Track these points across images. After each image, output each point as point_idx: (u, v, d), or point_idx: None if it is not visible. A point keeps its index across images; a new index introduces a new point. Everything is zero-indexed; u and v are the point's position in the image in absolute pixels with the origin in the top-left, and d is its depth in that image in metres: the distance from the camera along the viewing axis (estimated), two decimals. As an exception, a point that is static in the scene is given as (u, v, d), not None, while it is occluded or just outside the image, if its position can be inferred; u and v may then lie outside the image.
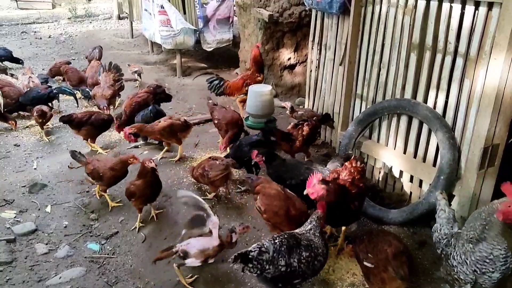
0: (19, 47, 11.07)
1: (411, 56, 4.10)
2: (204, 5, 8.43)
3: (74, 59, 10.33)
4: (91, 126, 5.50)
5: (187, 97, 7.78)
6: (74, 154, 4.60)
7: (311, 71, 6.11)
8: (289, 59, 7.81)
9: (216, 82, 6.28)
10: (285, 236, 2.90)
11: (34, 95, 6.45)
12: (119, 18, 15.12)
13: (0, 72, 8.09)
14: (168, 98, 6.35)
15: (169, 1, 8.18)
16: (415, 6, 3.99)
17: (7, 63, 9.12)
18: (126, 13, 12.37)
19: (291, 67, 7.92)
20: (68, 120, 5.49)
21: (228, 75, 8.96)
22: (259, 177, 3.87)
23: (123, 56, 10.25)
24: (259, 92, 5.60)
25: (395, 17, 4.24)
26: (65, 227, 4.31)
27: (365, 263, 3.04)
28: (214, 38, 8.71)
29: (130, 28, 12.45)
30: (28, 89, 6.71)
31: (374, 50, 4.55)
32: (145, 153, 5.57)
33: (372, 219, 4.08)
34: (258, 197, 3.58)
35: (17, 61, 8.71)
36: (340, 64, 5.20)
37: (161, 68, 9.50)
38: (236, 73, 8.91)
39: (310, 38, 5.94)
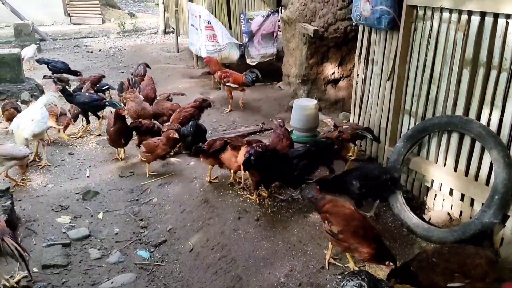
0: (72, 60, 11.63)
1: (463, 72, 4.03)
2: (249, 21, 8.60)
3: (123, 72, 10.78)
4: (154, 135, 5.75)
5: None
6: None
7: (357, 85, 6.09)
8: (333, 73, 7.82)
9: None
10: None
11: (86, 101, 6.64)
12: (165, 32, 15.62)
13: (64, 84, 8.58)
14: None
15: (215, 17, 8.39)
16: (469, 22, 3.93)
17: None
18: (173, 28, 12.77)
19: (335, 82, 7.92)
20: (136, 127, 5.82)
21: (270, 88, 9.07)
22: (324, 196, 3.79)
23: (169, 70, 10.59)
24: (304, 106, 5.64)
25: (447, 33, 4.18)
26: (116, 233, 4.48)
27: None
28: (258, 53, 8.85)
29: (176, 43, 12.83)
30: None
31: (424, 66, 4.50)
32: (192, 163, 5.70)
33: (421, 237, 4.00)
34: (328, 217, 3.47)
35: (75, 73, 9.17)
36: (388, 79, 5.16)
37: (205, 81, 9.71)
38: (279, 86, 9.00)
39: (357, 53, 5.93)
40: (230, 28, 8.65)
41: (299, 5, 7.70)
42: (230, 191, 4.78)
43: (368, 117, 5.80)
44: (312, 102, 5.74)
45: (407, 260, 3.31)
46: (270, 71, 9.87)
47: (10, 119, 6.27)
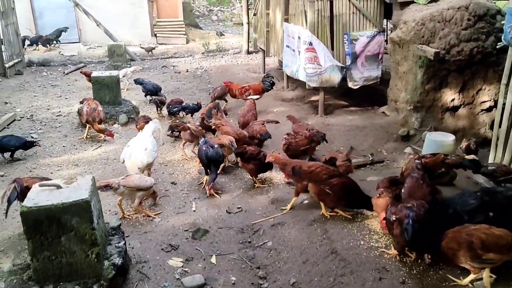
0: (161, 81, 11.66)
1: None
2: (353, 41, 7.99)
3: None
4: (258, 162, 5.44)
5: (333, 138, 7.27)
6: None
7: (501, 118, 5.23)
8: (452, 100, 6.96)
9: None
10: None
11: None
12: (248, 52, 15.44)
13: (160, 104, 8.61)
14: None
15: (317, 38, 7.87)
16: None
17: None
18: (261, 48, 12.47)
19: (454, 109, 7.05)
20: (240, 153, 5.54)
21: (373, 114, 8.35)
22: None
23: (260, 92, 10.18)
24: (440, 142, 4.90)
25: None
26: (234, 283, 3.98)
27: None
28: (361, 76, 8.19)
29: (262, 63, 12.52)
30: None
31: None
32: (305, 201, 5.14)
33: None
34: None
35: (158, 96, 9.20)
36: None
37: (300, 105, 9.21)
38: (383, 112, 8.26)
39: (503, 81, 5.10)
40: (332, 49, 8.08)
41: (414, 25, 6.97)
42: (362, 242, 4.13)
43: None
44: (450, 138, 5.00)
45: None
46: (369, 94, 9.18)
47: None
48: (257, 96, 8.49)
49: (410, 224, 3.41)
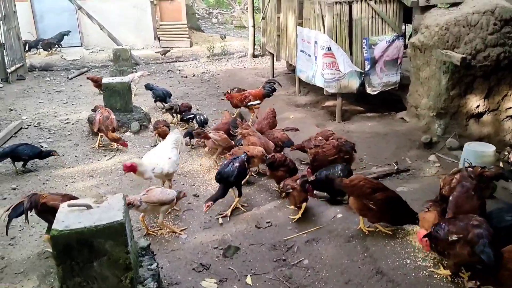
0: (169, 86, 11.39)
1: None
2: (372, 46, 7.78)
3: (223, 99, 10.31)
4: (287, 168, 5.35)
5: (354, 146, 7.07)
6: None
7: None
8: (477, 106, 6.79)
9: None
10: None
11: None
12: (254, 56, 15.23)
13: (170, 112, 8.43)
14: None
15: (336, 42, 7.66)
16: None
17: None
18: (269, 52, 12.25)
19: (478, 116, 6.87)
20: (271, 162, 5.38)
21: (393, 120, 8.15)
22: None
23: (271, 98, 9.93)
24: (480, 152, 4.68)
25: None
26: (274, 307, 3.75)
27: None
28: (380, 81, 7.98)
29: (271, 67, 12.31)
30: None
31: None
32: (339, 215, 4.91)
33: None
34: None
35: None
36: None
37: (315, 111, 8.99)
38: (402, 118, 8.06)
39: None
40: (351, 54, 7.87)
41: (438, 30, 6.78)
42: (408, 260, 3.90)
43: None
44: (490, 148, 4.78)
45: None
46: (387, 100, 8.99)
47: (163, 136, 6.62)
48: (258, 102, 8.37)
49: (487, 245, 3.14)
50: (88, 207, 3.42)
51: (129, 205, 4.39)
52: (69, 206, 3.43)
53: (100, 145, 7.25)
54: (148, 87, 9.22)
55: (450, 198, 3.99)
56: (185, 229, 4.83)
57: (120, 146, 7.03)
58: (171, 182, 5.41)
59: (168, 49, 15.62)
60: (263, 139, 5.91)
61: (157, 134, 7.10)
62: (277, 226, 4.89)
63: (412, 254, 3.97)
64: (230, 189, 5.12)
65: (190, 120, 8.06)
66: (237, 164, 5.08)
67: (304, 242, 4.54)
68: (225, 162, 5.23)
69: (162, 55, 15.06)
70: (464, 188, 3.89)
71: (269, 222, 4.95)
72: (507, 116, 6.78)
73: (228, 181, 5.02)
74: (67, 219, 3.29)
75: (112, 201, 3.54)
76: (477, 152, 4.66)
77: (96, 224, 3.21)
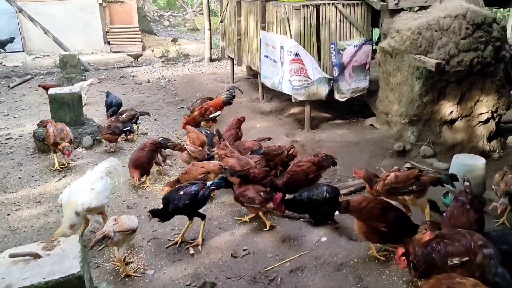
0: (122, 93, 10.62)
1: None
2: (340, 51, 7.47)
3: (182, 107, 9.72)
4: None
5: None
6: None
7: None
8: (450, 112, 6.62)
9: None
10: None
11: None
12: (211, 60, 14.69)
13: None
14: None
15: (303, 48, 7.28)
16: None
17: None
18: (229, 57, 11.75)
19: (452, 122, 6.71)
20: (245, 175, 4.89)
21: (362, 128, 7.88)
22: None
23: (234, 105, 9.41)
24: (470, 166, 4.41)
25: None
26: None
27: None
28: (349, 87, 7.69)
29: (231, 72, 11.82)
30: None
31: None
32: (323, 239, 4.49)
33: None
34: None
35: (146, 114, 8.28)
36: None
37: (282, 119, 8.57)
38: (371, 125, 7.81)
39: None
40: (319, 59, 7.53)
41: (410, 34, 6.56)
42: (407, 292, 3.53)
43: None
44: (480, 161, 4.51)
45: None
46: (353, 105, 8.75)
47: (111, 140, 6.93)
48: (219, 112, 7.84)
49: (499, 266, 2.80)
50: (36, 256, 2.79)
51: (104, 239, 3.78)
52: (11, 256, 2.78)
53: (61, 167, 6.40)
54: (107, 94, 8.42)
55: (444, 213, 3.68)
56: (136, 270, 4.15)
57: (64, 156, 6.24)
58: (104, 214, 4.56)
59: (140, 53, 14.86)
60: (244, 159, 5.31)
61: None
62: (255, 253, 4.39)
63: (411, 284, 3.61)
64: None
65: (128, 133, 7.35)
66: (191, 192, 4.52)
67: (287, 272, 4.08)
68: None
69: (134, 59, 14.29)
70: (459, 202, 3.61)
71: (246, 249, 4.45)
72: (479, 122, 6.66)
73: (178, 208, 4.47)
74: (9, 274, 2.65)
75: (66, 246, 2.93)
76: (467, 166, 4.39)
77: (46, 280, 2.60)
